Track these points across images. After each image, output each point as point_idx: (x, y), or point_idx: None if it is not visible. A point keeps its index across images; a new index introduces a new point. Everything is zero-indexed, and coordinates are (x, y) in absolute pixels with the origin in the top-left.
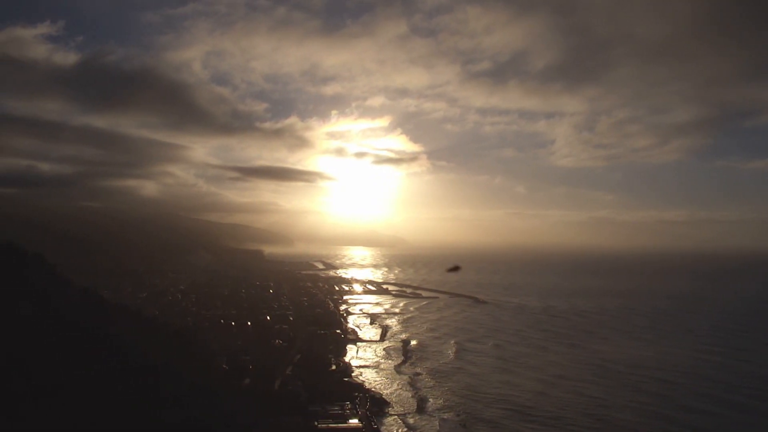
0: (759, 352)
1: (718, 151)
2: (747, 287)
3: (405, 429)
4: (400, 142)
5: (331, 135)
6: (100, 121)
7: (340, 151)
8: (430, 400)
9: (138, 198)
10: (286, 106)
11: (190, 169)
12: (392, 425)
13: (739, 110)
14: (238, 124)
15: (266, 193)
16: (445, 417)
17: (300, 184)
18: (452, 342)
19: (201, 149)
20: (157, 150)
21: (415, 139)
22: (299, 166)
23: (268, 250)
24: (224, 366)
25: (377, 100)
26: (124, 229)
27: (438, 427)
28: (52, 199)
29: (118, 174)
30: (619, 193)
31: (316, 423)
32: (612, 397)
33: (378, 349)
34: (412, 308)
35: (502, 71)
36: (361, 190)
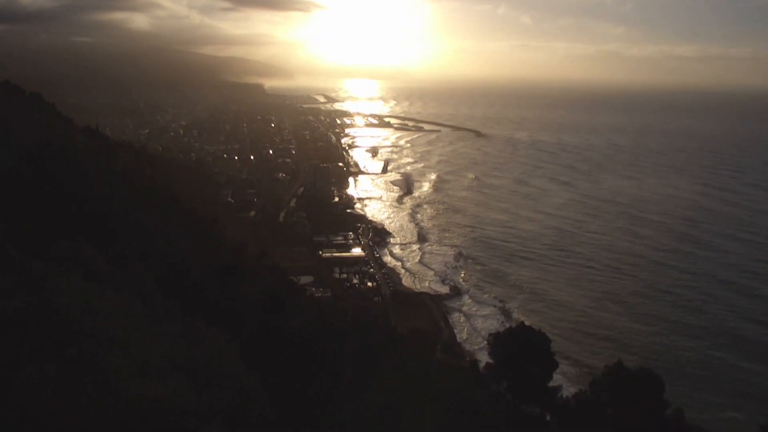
0: (743, 194)
1: None
2: (748, 128)
3: (405, 259)
4: None
5: None
6: None
7: None
8: (430, 231)
9: (129, 32)
10: None
11: None
12: (393, 254)
13: None
14: None
15: (261, 24)
16: (443, 248)
17: (295, 13)
18: (450, 175)
19: None
20: None
21: None
22: None
23: (268, 83)
24: (230, 199)
25: None
26: (119, 65)
27: (438, 259)
28: (41, 36)
29: (104, 6)
30: (629, 25)
31: (320, 252)
32: (583, 232)
33: (379, 182)
34: (413, 141)
35: None
36: (361, 20)
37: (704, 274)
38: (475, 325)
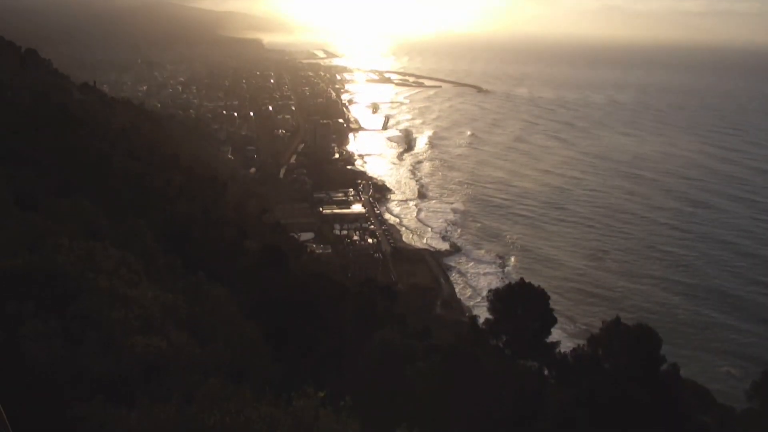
0: (744, 152)
1: None
2: (752, 86)
3: (405, 216)
4: None
5: None
6: None
7: None
8: (429, 188)
9: None
10: None
11: None
12: (393, 211)
13: None
14: None
15: None
16: (443, 205)
17: None
18: (450, 131)
19: None
20: None
21: None
22: None
23: (267, 39)
24: (230, 156)
25: None
26: (116, 21)
27: (437, 216)
28: None
29: None
30: None
31: (321, 209)
32: (581, 190)
33: (380, 138)
34: (413, 97)
35: None
36: None
37: (702, 233)
38: (474, 281)
